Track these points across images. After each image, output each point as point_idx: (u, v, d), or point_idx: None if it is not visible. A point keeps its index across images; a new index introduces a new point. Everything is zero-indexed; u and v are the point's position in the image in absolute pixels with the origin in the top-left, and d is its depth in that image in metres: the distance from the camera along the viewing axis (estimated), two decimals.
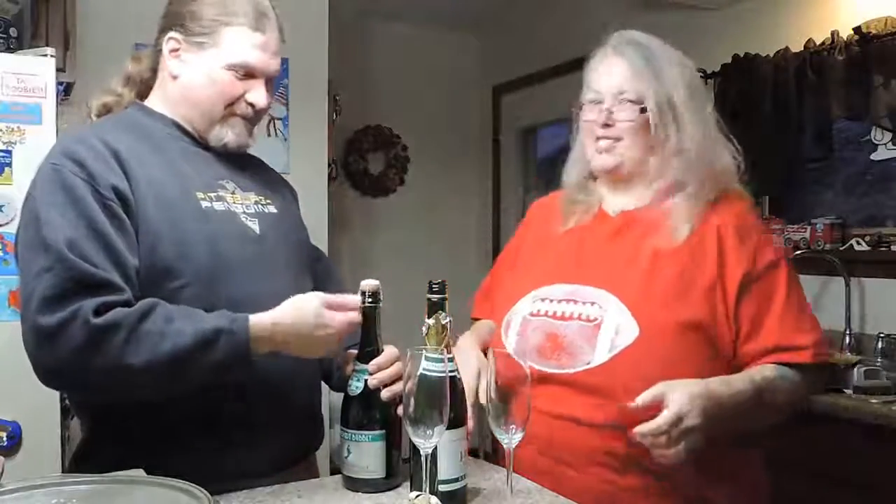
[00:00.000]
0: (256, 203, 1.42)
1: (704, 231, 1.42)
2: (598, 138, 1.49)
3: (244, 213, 1.38)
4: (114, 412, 1.31)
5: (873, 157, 2.95)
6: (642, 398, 1.24)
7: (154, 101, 1.42)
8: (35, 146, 2.23)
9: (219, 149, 1.41)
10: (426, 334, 1.21)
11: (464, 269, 4.36)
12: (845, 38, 2.83)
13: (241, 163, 1.46)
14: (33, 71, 2.27)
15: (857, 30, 2.76)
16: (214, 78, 1.35)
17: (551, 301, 1.45)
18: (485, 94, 5.03)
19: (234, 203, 1.38)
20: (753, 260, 1.40)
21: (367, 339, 1.31)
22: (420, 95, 4.80)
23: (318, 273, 1.56)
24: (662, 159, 1.47)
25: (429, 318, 1.21)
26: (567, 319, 1.41)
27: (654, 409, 1.24)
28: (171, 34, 1.37)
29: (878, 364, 2.57)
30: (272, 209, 1.45)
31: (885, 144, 2.89)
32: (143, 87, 1.45)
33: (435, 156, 4.84)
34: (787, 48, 3.05)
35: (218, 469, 1.24)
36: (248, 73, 1.36)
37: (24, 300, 1.21)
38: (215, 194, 1.36)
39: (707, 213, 1.44)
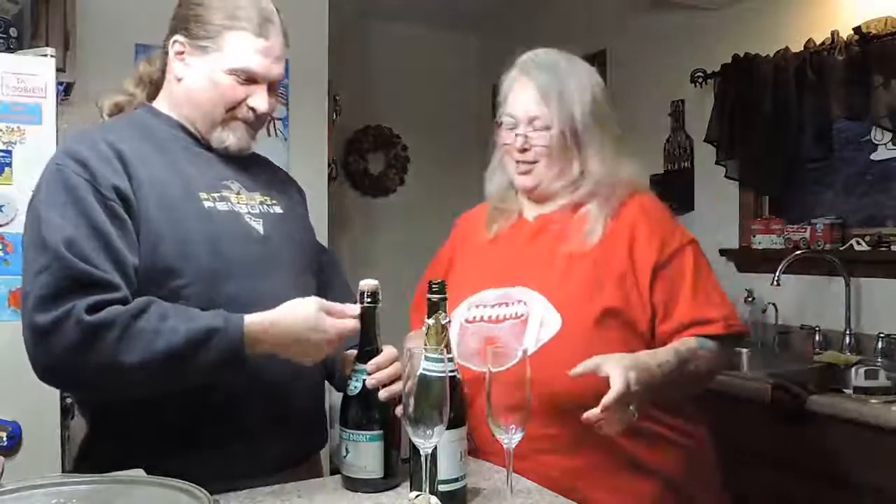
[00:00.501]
0: (262, 203, 1.43)
1: (615, 226, 1.52)
2: (517, 161, 1.58)
3: (249, 213, 1.39)
4: (114, 411, 1.31)
5: (873, 157, 2.95)
6: (579, 368, 1.30)
7: (160, 103, 1.44)
8: (35, 146, 2.24)
9: (220, 151, 1.42)
10: (426, 334, 1.21)
11: None
12: (845, 38, 2.82)
13: (247, 163, 1.47)
14: (33, 71, 2.27)
15: (857, 30, 2.75)
16: (216, 82, 1.36)
17: (485, 307, 1.53)
18: (485, 94, 5.03)
19: (239, 203, 1.39)
20: (661, 248, 1.50)
21: (365, 339, 1.31)
22: (420, 95, 4.80)
23: (323, 265, 1.57)
24: (571, 176, 1.57)
25: (429, 318, 1.21)
26: (500, 322, 1.49)
27: (590, 379, 1.29)
28: (177, 37, 1.38)
29: (878, 364, 2.57)
30: (277, 209, 1.46)
31: (885, 144, 2.89)
32: (153, 88, 1.47)
33: (435, 156, 4.84)
34: (787, 48, 3.05)
35: (219, 468, 1.24)
36: (249, 78, 1.37)
37: (23, 299, 1.22)
38: (219, 195, 1.37)
39: (616, 210, 1.54)
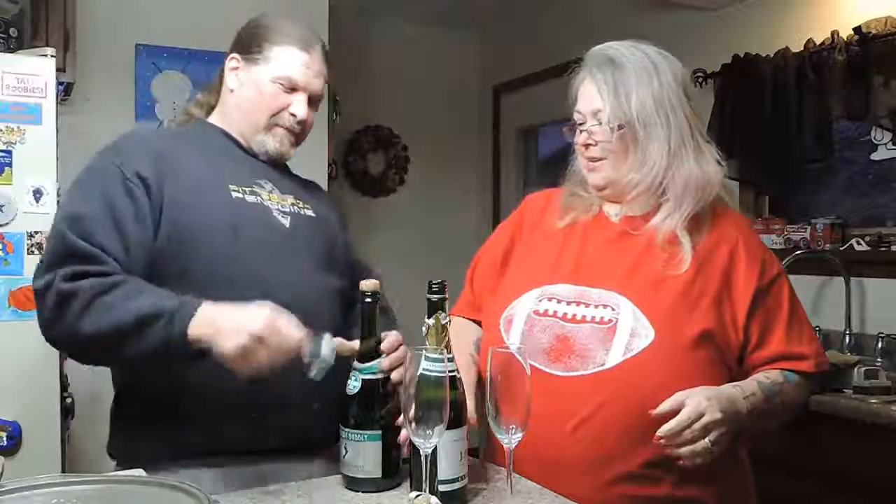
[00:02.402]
0: (293, 205, 1.52)
1: (709, 244, 1.46)
2: (586, 158, 1.52)
3: (278, 210, 1.47)
4: (139, 376, 1.37)
5: (873, 157, 2.95)
6: (664, 406, 1.28)
7: (213, 117, 1.58)
8: (35, 146, 2.24)
9: (261, 156, 1.53)
10: (426, 334, 1.21)
11: (464, 270, 4.32)
12: (845, 38, 2.83)
13: (283, 171, 1.59)
14: (33, 71, 2.27)
15: (857, 30, 2.76)
16: (262, 89, 1.50)
17: (559, 301, 1.45)
18: (485, 94, 5.03)
19: (269, 200, 1.48)
20: (762, 274, 1.45)
21: (365, 338, 1.31)
22: (420, 95, 4.80)
23: (357, 275, 1.56)
24: (643, 175, 1.46)
25: (429, 318, 1.21)
26: (578, 322, 1.41)
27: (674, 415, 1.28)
28: (233, 55, 1.55)
29: (878, 364, 2.57)
30: (309, 212, 1.55)
31: (885, 144, 2.89)
32: (209, 110, 1.61)
33: (435, 156, 4.84)
34: (787, 48, 3.05)
35: (233, 441, 1.33)
36: (292, 87, 1.50)
37: None
38: (249, 189, 1.46)
39: (712, 227, 1.48)
